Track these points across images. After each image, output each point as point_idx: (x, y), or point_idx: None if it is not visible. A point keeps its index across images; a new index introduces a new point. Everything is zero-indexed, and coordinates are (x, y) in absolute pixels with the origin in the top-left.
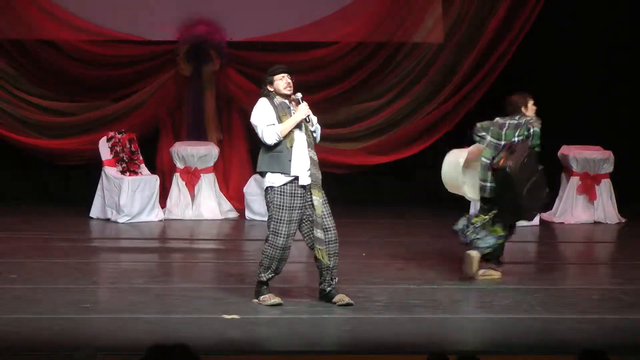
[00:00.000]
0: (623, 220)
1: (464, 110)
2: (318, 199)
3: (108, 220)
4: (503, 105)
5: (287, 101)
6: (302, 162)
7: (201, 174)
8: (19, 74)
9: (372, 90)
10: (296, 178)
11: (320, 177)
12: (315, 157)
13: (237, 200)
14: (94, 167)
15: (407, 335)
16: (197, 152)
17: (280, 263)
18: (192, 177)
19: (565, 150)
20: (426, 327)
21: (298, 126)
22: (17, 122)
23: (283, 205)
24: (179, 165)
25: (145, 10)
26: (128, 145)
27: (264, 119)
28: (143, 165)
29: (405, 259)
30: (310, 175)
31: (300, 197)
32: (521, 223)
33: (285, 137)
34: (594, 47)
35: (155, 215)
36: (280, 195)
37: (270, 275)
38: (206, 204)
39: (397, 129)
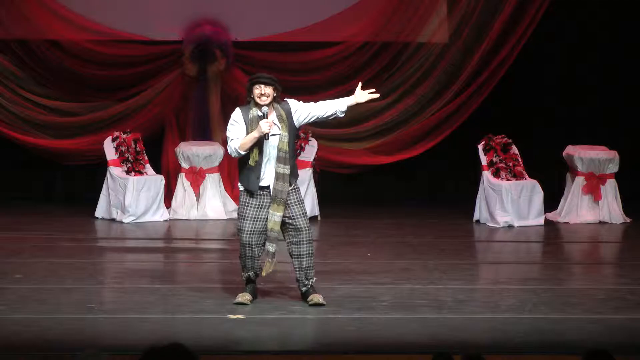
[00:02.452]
0: (628, 220)
1: (469, 110)
2: (277, 213)
3: (113, 220)
4: (507, 106)
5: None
6: (272, 176)
7: (206, 174)
8: (25, 74)
9: (378, 90)
10: (263, 188)
11: (285, 192)
12: (285, 171)
13: None
14: (99, 167)
15: (411, 335)
16: (202, 152)
17: (249, 260)
18: (197, 177)
19: (570, 150)
20: (431, 327)
21: (270, 141)
22: (23, 122)
23: (249, 203)
24: (184, 165)
25: (151, 10)
26: (133, 145)
27: (230, 131)
28: (148, 165)
29: (410, 259)
30: (274, 189)
31: (269, 202)
32: (524, 223)
33: (250, 152)
34: (599, 47)
35: (161, 215)
36: (248, 195)
37: (247, 274)
38: (211, 204)
39: (402, 129)
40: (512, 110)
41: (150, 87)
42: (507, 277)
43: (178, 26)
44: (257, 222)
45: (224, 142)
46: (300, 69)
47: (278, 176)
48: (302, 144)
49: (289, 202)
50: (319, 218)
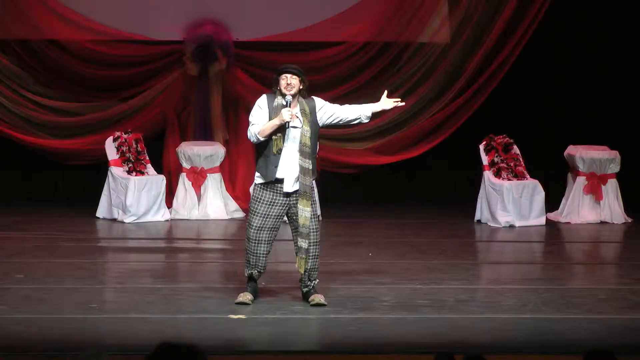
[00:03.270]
0: (629, 220)
1: (470, 110)
2: (306, 209)
3: (114, 220)
4: (508, 105)
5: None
6: (290, 170)
7: (207, 174)
8: (26, 74)
9: (379, 90)
10: (278, 181)
11: (310, 186)
12: (308, 166)
13: (244, 200)
14: (101, 167)
15: (413, 335)
16: (204, 152)
17: (253, 257)
18: (198, 177)
19: (571, 150)
20: (432, 327)
21: (290, 132)
22: (24, 122)
23: (261, 199)
24: (186, 165)
25: (152, 10)
26: (134, 145)
27: (253, 116)
28: (149, 165)
29: (412, 259)
30: (298, 184)
31: (282, 200)
32: (525, 223)
33: (272, 140)
34: (601, 47)
35: (162, 215)
36: (262, 189)
37: (250, 272)
38: (212, 203)
39: (404, 129)
40: (513, 110)
41: (151, 87)
42: (508, 277)
43: (179, 26)
44: (267, 219)
45: (225, 142)
46: (302, 69)
47: (302, 170)
48: None
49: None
50: (320, 218)
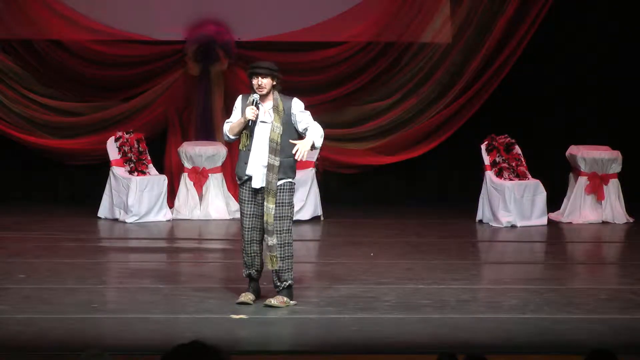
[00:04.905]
0: (631, 220)
1: (472, 110)
2: (271, 206)
3: (116, 220)
4: (510, 105)
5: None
6: (258, 166)
7: (209, 174)
8: (28, 74)
9: (380, 90)
10: (250, 179)
11: (276, 184)
12: (275, 163)
13: None
14: (102, 167)
15: (414, 335)
16: (205, 152)
17: (248, 258)
18: (200, 177)
19: (573, 150)
20: (434, 327)
21: (261, 128)
22: (26, 122)
23: (243, 200)
24: (187, 165)
25: (154, 10)
26: (136, 145)
27: (231, 115)
28: (151, 165)
29: (413, 259)
30: (263, 181)
31: (259, 197)
32: (527, 223)
33: (241, 137)
34: (602, 47)
35: (163, 215)
36: (242, 189)
37: (248, 272)
38: (214, 203)
39: (405, 129)
40: (514, 110)
41: (153, 87)
42: (509, 277)
43: (181, 26)
44: (254, 219)
45: (227, 142)
46: (303, 69)
47: (269, 167)
48: None
49: (276, 200)
50: (321, 218)
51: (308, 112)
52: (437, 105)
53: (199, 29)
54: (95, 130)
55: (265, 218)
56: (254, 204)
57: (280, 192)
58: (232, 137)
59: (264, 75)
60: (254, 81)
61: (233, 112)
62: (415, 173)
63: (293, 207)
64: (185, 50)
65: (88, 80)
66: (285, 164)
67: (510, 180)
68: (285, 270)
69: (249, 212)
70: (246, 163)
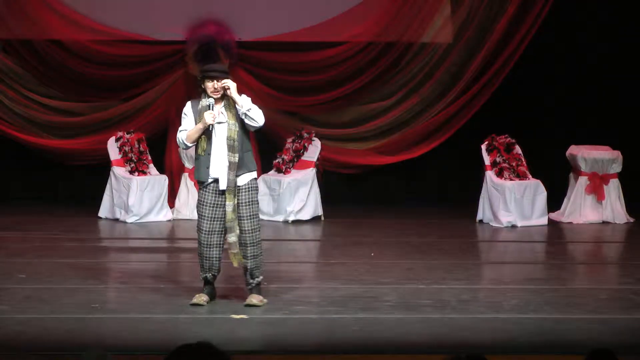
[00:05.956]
0: (631, 220)
1: (473, 110)
2: (230, 203)
3: (117, 220)
4: (510, 105)
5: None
6: (221, 167)
7: None
8: (28, 74)
9: (381, 90)
10: (215, 181)
11: (235, 181)
12: (235, 160)
13: None
14: (103, 167)
15: (415, 335)
16: None
17: (207, 262)
18: None
19: (573, 150)
20: (434, 327)
21: (218, 130)
22: (26, 122)
23: (204, 202)
24: (188, 165)
25: (154, 10)
26: (137, 145)
27: (182, 123)
28: (152, 165)
29: (414, 259)
30: (226, 180)
31: (222, 200)
32: (527, 223)
33: (199, 143)
34: (602, 47)
35: (164, 215)
36: (203, 191)
37: (204, 275)
38: None
39: (406, 129)
40: (515, 110)
41: (153, 87)
42: (510, 277)
43: (181, 26)
44: (214, 222)
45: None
46: (304, 69)
47: (230, 165)
48: (306, 144)
49: (239, 200)
50: (322, 218)
51: (250, 99)
52: (438, 106)
53: (200, 29)
54: (95, 130)
55: (227, 216)
56: (216, 207)
57: (248, 191)
58: (190, 145)
59: (219, 79)
60: (210, 84)
61: (183, 120)
62: (415, 173)
63: (259, 204)
64: (185, 50)
65: (88, 80)
66: (244, 158)
67: (511, 180)
68: (257, 267)
69: (209, 215)
70: (208, 167)
